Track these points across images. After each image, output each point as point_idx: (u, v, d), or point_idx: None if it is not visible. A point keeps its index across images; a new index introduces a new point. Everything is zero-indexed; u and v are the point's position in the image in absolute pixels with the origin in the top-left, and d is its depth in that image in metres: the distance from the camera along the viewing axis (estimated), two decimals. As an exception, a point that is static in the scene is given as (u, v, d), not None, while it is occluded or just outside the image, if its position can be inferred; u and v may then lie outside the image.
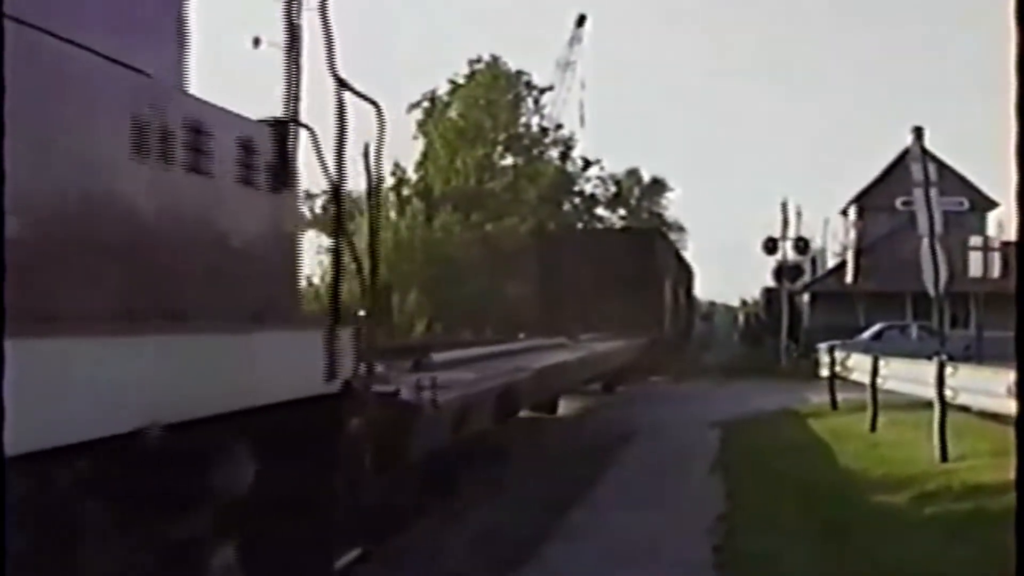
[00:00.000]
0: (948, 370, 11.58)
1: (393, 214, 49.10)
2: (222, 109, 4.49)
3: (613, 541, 8.34)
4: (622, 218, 60.56)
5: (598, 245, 34.06)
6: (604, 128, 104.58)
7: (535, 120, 55.95)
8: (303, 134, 5.07)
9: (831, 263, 51.58)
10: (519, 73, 55.03)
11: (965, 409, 11.87)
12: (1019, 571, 1.99)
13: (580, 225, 55.83)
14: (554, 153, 57.27)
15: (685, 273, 48.55)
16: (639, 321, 26.56)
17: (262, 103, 5.15)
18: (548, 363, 13.75)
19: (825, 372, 18.82)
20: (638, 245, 33.51)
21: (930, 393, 11.78)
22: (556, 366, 14.23)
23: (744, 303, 79.92)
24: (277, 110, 4.98)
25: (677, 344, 37.32)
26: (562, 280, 30.51)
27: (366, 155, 5.45)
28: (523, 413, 13.11)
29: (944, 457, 11.11)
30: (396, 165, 52.53)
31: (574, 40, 53.69)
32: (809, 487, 10.28)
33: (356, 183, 5.57)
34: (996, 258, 36.67)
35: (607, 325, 23.93)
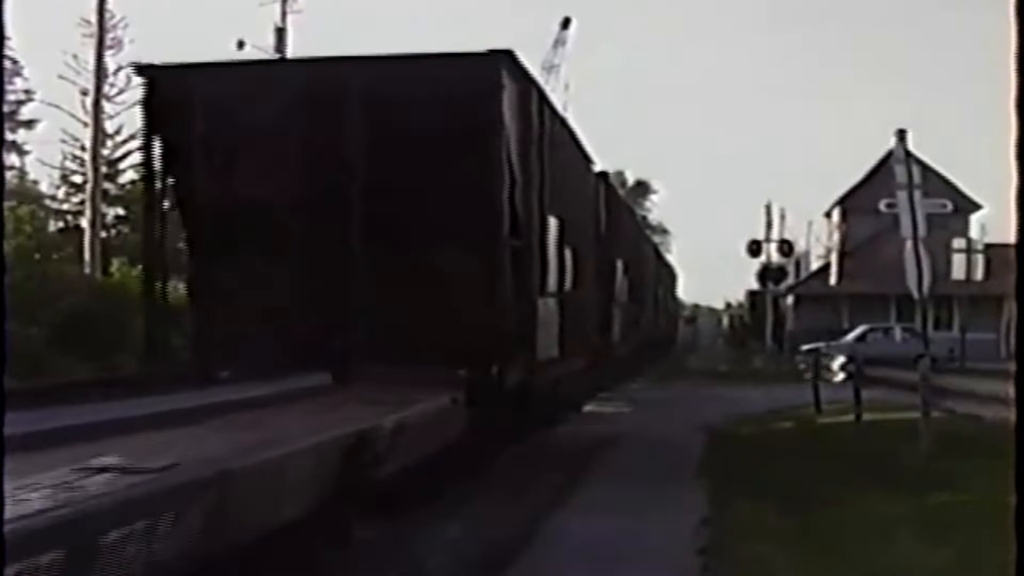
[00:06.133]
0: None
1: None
2: None
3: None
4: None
5: (327, 115, 9.64)
6: (589, 130, 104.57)
7: (520, 123, 55.95)
8: None
9: (815, 265, 51.83)
10: (504, 76, 55.02)
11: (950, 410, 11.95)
12: (1019, 572, 2.00)
13: None
14: (539, 156, 57.39)
15: (644, 242, 32.72)
16: (438, 339, 9.62)
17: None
18: None
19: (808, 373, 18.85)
20: (453, 119, 9.40)
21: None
22: None
23: (728, 305, 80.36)
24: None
25: (605, 377, 19.78)
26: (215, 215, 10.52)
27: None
28: None
29: (927, 457, 11.18)
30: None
31: (558, 43, 53.85)
32: (793, 487, 10.32)
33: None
34: (980, 260, 36.85)
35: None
